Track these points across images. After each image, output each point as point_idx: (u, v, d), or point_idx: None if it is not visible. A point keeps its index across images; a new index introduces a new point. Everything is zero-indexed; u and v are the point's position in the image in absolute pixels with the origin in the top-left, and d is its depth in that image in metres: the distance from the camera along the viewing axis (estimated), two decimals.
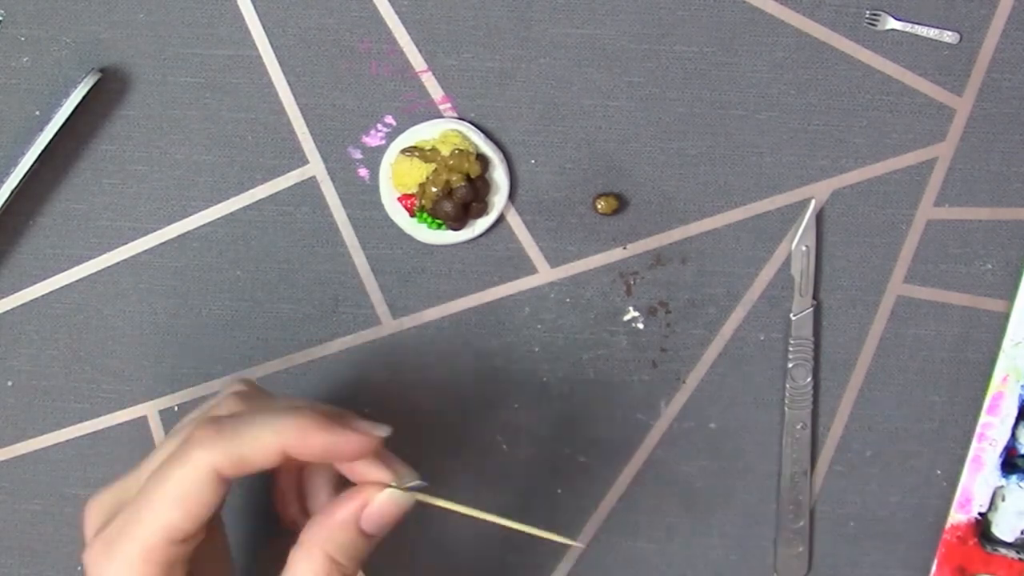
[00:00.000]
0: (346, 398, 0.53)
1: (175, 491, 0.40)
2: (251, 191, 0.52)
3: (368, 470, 0.42)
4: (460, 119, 0.52)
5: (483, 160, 0.51)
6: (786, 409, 0.53)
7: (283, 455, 0.40)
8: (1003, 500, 0.52)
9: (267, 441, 0.40)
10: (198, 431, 0.40)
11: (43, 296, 0.53)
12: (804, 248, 0.52)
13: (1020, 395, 0.52)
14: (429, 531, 0.54)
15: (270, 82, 0.52)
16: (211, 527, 0.43)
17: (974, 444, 0.52)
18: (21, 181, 0.50)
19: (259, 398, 0.45)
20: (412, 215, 0.51)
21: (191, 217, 0.52)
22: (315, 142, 0.52)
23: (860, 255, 0.53)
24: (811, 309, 0.52)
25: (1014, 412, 0.52)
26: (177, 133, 0.52)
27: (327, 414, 0.41)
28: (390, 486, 0.42)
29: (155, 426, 0.53)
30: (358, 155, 0.52)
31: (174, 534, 0.40)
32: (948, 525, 0.52)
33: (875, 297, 0.53)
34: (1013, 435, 0.52)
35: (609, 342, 0.53)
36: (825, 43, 0.52)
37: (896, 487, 0.54)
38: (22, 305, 0.53)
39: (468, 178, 0.50)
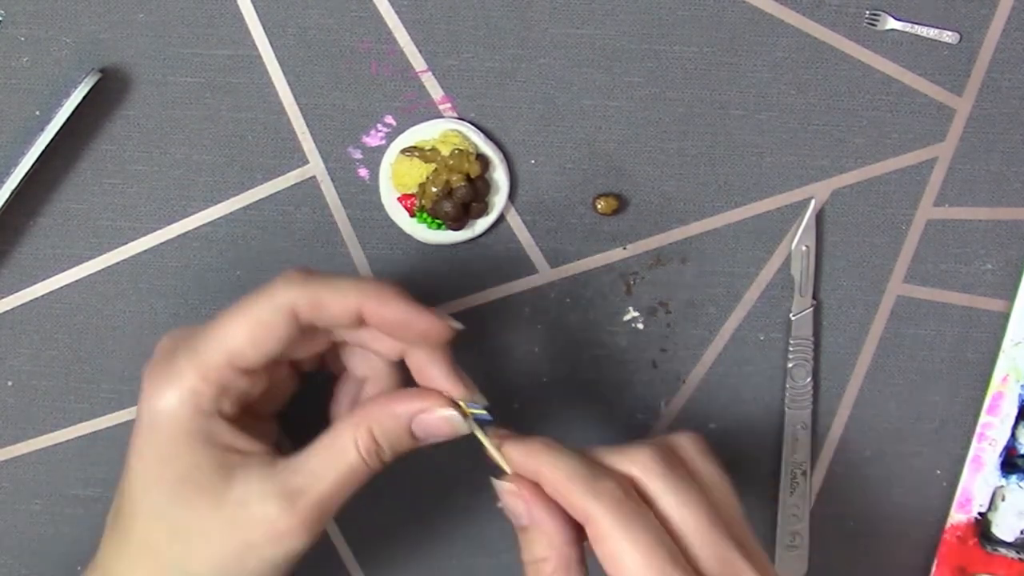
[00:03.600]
0: None
1: (247, 317, 0.41)
2: (251, 191, 0.52)
3: (440, 377, 0.43)
4: (460, 119, 0.52)
5: (483, 160, 0.51)
6: (786, 409, 0.53)
7: (359, 314, 0.42)
8: (1003, 500, 0.52)
9: (348, 295, 0.41)
10: (284, 274, 0.42)
11: (43, 296, 0.53)
12: (804, 248, 0.52)
13: (1020, 395, 0.52)
14: (432, 532, 0.54)
15: (270, 82, 0.52)
16: (268, 395, 0.44)
17: (974, 444, 0.52)
18: (21, 181, 0.50)
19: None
20: (412, 215, 0.51)
21: (191, 217, 0.52)
22: (315, 142, 0.52)
23: (860, 255, 0.53)
24: (811, 309, 0.52)
25: (1014, 412, 0.52)
26: (177, 133, 0.52)
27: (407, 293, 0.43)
28: (457, 405, 0.43)
29: None
30: (358, 155, 0.52)
31: (236, 359, 0.41)
32: (948, 525, 0.52)
33: (875, 297, 0.53)
34: (1013, 435, 0.52)
35: (609, 342, 0.53)
36: (825, 43, 0.52)
37: (896, 487, 0.54)
38: (22, 305, 0.53)
39: (468, 178, 0.50)
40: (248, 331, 0.41)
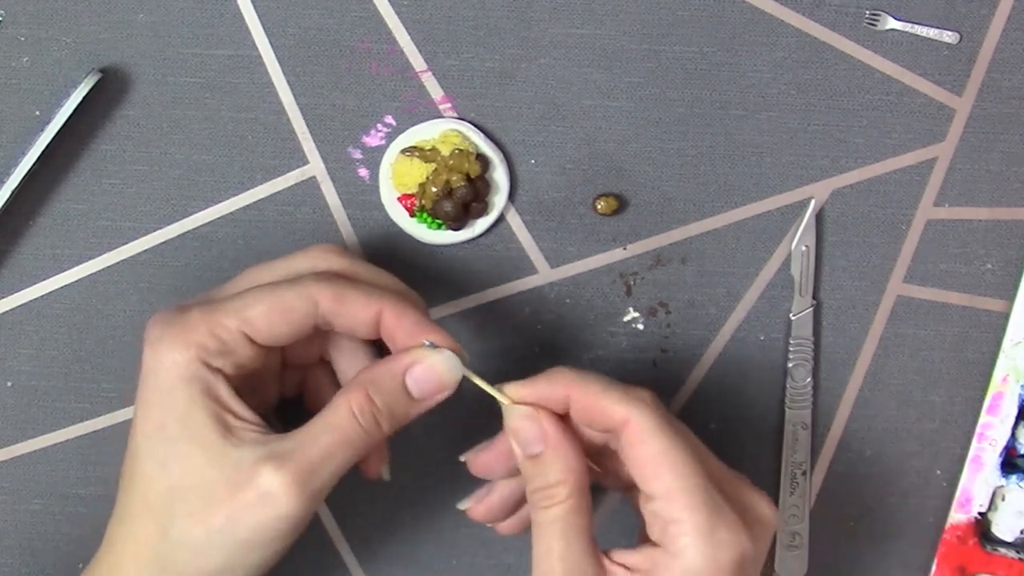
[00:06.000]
0: None
1: (272, 295, 0.42)
2: (251, 191, 0.52)
3: (424, 334, 0.44)
4: (460, 119, 0.52)
5: (483, 160, 0.51)
6: (786, 409, 0.53)
7: (376, 324, 0.43)
8: (1003, 500, 0.52)
9: (371, 303, 0.43)
10: (318, 250, 0.44)
11: (43, 296, 0.53)
12: (804, 248, 0.52)
13: (1020, 395, 0.52)
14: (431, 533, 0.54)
15: (270, 82, 0.52)
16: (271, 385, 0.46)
17: (974, 444, 0.52)
18: (21, 181, 0.50)
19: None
20: (412, 215, 0.51)
21: (191, 217, 0.52)
22: (315, 142, 0.52)
23: (860, 255, 0.53)
24: (811, 309, 0.52)
25: (1014, 412, 0.52)
26: (177, 133, 0.52)
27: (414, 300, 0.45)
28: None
29: None
30: (358, 155, 0.52)
31: (248, 329, 0.42)
32: (948, 525, 0.52)
33: (875, 297, 0.53)
34: (1013, 435, 0.52)
35: (609, 342, 0.53)
36: (825, 43, 0.52)
37: (896, 487, 0.54)
38: (22, 305, 0.53)
39: (468, 178, 0.50)
40: (268, 308, 0.42)
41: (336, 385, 0.48)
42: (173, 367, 0.41)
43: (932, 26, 0.52)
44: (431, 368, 0.43)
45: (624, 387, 0.42)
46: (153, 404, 0.42)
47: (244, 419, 0.42)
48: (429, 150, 0.51)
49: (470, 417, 0.53)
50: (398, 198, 0.52)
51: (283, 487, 0.40)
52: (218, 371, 0.42)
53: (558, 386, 0.43)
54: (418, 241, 0.52)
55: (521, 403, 0.43)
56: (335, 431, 0.42)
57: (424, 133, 0.51)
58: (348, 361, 0.47)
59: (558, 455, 0.42)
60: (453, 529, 0.54)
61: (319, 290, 0.42)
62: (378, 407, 0.42)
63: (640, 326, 0.53)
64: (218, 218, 0.52)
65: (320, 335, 0.46)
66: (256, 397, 0.45)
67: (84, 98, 0.50)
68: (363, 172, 0.52)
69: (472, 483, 0.54)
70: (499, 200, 0.52)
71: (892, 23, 0.52)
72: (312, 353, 0.47)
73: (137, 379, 0.42)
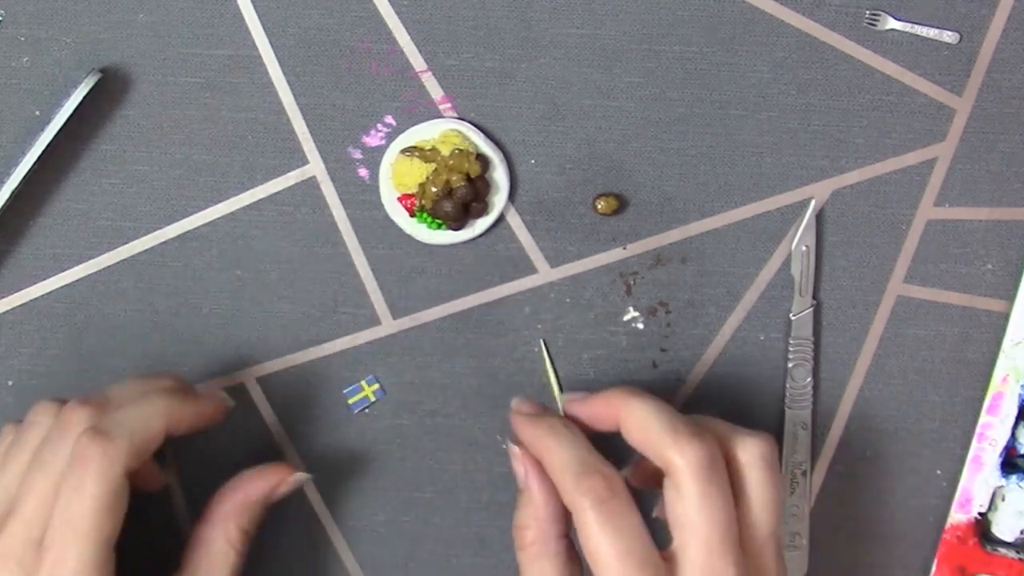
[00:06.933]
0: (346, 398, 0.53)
1: (96, 511, 0.41)
2: (251, 191, 0.52)
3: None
4: (460, 119, 0.52)
5: (483, 160, 0.51)
6: (786, 409, 0.53)
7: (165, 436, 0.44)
8: (1003, 500, 0.52)
9: (156, 430, 0.44)
10: (86, 450, 0.42)
11: (43, 296, 0.53)
12: (804, 248, 0.52)
13: (1020, 395, 0.52)
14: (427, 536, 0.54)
15: (270, 82, 0.52)
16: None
17: (974, 444, 0.52)
18: (21, 181, 0.50)
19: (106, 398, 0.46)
20: (412, 215, 0.51)
21: (191, 217, 0.52)
22: (315, 142, 0.52)
23: (860, 255, 0.53)
24: (811, 309, 0.52)
25: (1014, 412, 0.52)
26: (177, 133, 0.52)
27: (184, 389, 0.47)
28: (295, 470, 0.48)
29: None
30: (358, 155, 0.52)
31: (113, 538, 0.42)
32: (948, 525, 0.52)
33: (875, 297, 0.53)
34: (1013, 435, 0.52)
35: (609, 342, 0.53)
36: (825, 43, 0.52)
37: (896, 487, 0.54)
38: (22, 305, 0.53)
39: (468, 178, 0.50)
40: (107, 518, 0.42)
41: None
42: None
43: (932, 26, 0.52)
44: (293, 486, 0.48)
45: (586, 468, 0.42)
46: None
47: None
48: (429, 150, 0.51)
49: (468, 419, 0.53)
50: (398, 198, 0.52)
51: None
52: None
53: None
54: (418, 241, 0.52)
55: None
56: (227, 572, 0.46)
57: (424, 133, 0.51)
58: None
59: (530, 501, 0.44)
60: (453, 529, 0.54)
61: (117, 470, 0.42)
62: (252, 533, 0.47)
63: (640, 326, 0.53)
64: (218, 218, 0.52)
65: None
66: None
67: (84, 98, 0.50)
68: (363, 172, 0.52)
69: (472, 483, 0.54)
70: (499, 200, 0.52)
71: (892, 23, 0.52)
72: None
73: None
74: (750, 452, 0.42)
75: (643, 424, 0.42)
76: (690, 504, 0.40)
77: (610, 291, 0.53)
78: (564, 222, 0.52)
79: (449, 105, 0.52)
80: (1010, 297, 0.52)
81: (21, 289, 0.53)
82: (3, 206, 0.50)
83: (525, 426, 0.45)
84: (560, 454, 0.43)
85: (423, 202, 0.51)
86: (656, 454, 0.42)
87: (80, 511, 0.41)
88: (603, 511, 0.41)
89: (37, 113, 0.51)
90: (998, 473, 0.52)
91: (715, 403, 0.53)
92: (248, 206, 0.52)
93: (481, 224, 0.52)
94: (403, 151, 0.51)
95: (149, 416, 0.43)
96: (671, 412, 0.43)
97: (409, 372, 0.53)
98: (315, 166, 0.52)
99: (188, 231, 0.52)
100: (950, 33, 0.52)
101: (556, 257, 0.53)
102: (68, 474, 0.41)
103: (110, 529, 0.41)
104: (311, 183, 0.52)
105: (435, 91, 0.52)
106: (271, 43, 0.52)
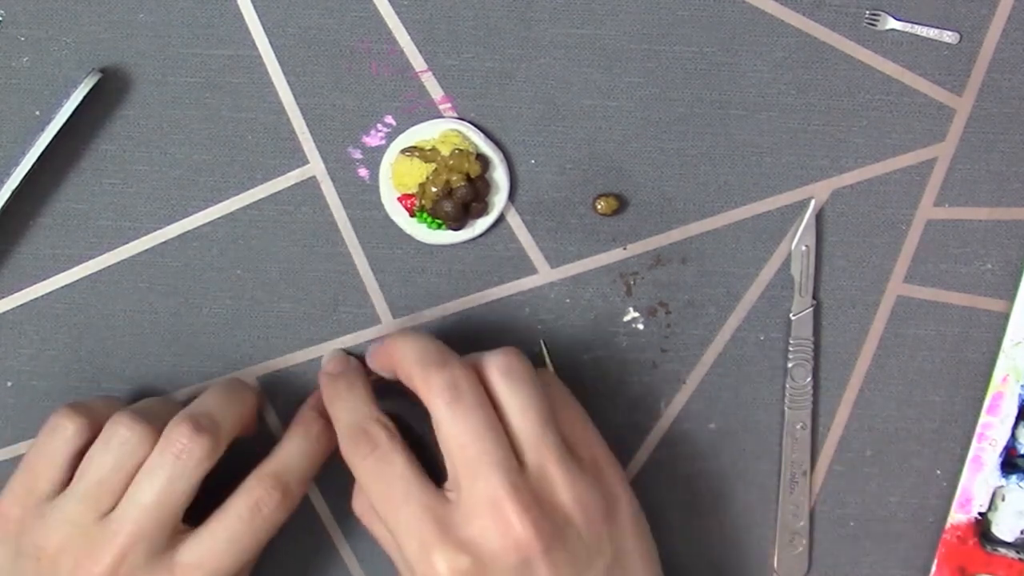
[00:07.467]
0: None
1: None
2: (251, 191, 0.52)
3: None
4: (460, 119, 0.52)
5: (483, 160, 0.51)
6: (786, 409, 0.53)
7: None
8: (1003, 500, 0.52)
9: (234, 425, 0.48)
10: (194, 446, 0.46)
11: (43, 296, 0.53)
12: (804, 248, 0.52)
13: (1020, 395, 0.52)
14: None
15: (270, 82, 0.52)
16: None
17: (974, 444, 0.52)
18: (21, 181, 0.50)
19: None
20: (412, 215, 0.51)
21: (191, 217, 0.52)
22: (315, 142, 0.52)
23: (860, 255, 0.53)
24: (811, 309, 0.52)
25: (1014, 412, 0.52)
26: (177, 133, 0.52)
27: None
28: None
29: None
30: (358, 155, 0.52)
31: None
32: (948, 525, 0.52)
33: (875, 297, 0.53)
34: (1013, 435, 0.52)
35: (609, 342, 0.53)
36: (825, 43, 0.52)
37: (896, 487, 0.54)
38: (22, 305, 0.53)
39: (468, 178, 0.50)
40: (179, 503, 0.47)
41: None
42: None
43: (932, 26, 0.52)
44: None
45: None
46: None
47: None
48: (429, 150, 0.51)
49: None
50: (398, 198, 0.52)
51: None
52: None
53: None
54: (418, 241, 0.52)
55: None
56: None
57: (424, 133, 0.51)
58: None
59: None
60: None
61: (207, 465, 0.47)
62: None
63: (640, 326, 0.53)
64: (218, 218, 0.52)
65: None
66: None
67: (84, 98, 0.50)
68: (363, 172, 0.52)
69: None
70: (499, 200, 0.52)
71: (892, 23, 0.52)
72: None
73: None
74: (493, 368, 0.45)
75: (400, 362, 0.45)
76: (443, 427, 0.44)
77: (610, 291, 0.53)
78: (564, 222, 0.52)
79: (449, 105, 0.52)
80: (1010, 297, 0.52)
81: (21, 289, 0.53)
82: (3, 206, 0.50)
83: (324, 387, 0.49)
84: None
85: (423, 202, 0.51)
86: (413, 388, 0.45)
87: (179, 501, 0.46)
88: (371, 460, 0.45)
89: (37, 113, 0.51)
90: (998, 473, 0.52)
91: (715, 403, 0.53)
92: (248, 206, 0.52)
93: (481, 224, 0.52)
94: (403, 151, 0.51)
95: (236, 417, 0.48)
96: (424, 347, 0.45)
97: None
98: (315, 166, 0.52)
99: (188, 231, 0.52)
100: (950, 33, 0.52)
101: (556, 257, 0.53)
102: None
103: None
104: (311, 183, 0.52)
105: (435, 91, 0.52)
106: (271, 43, 0.52)
